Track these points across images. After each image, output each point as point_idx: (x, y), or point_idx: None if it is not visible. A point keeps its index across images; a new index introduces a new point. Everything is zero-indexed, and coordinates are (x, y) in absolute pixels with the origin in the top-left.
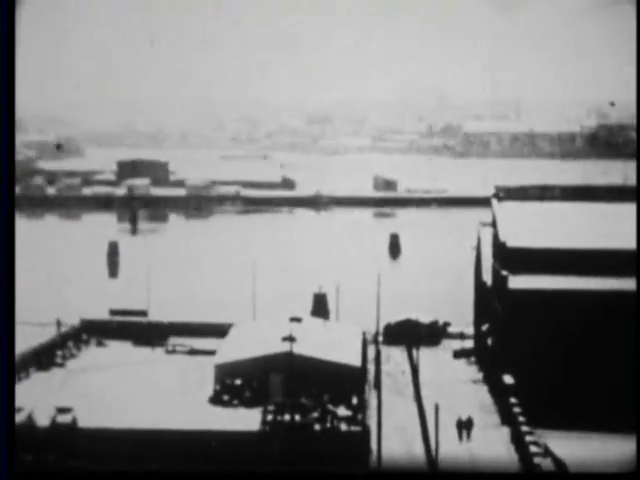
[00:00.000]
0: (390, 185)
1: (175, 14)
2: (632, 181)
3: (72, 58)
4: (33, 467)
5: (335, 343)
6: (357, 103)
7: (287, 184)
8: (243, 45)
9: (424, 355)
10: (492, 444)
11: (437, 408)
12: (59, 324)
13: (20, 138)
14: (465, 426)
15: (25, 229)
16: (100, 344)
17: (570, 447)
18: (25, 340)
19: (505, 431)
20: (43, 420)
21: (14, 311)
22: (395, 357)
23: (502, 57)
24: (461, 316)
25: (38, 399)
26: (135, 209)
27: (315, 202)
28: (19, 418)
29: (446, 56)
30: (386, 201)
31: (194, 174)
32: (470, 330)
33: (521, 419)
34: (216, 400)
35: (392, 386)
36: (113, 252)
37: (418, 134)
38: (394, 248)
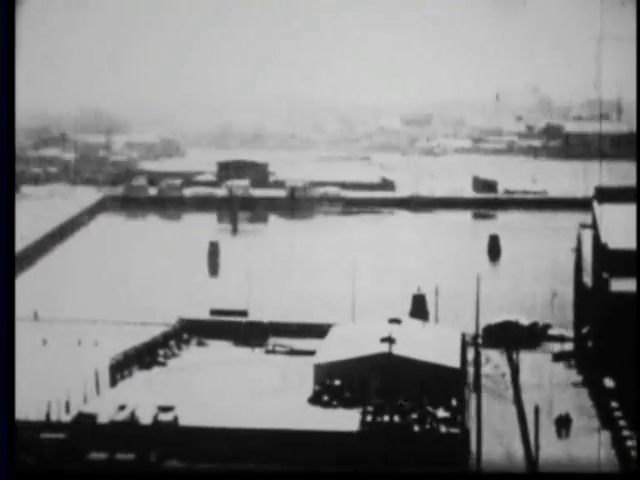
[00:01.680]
0: (489, 186)
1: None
2: None
3: (171, 62)
4: (33, 469)
5: (434, 344)
6: (456, 104)
7: (386, 185)
8: (336, 47)
9: (524, 357)
10: (592, 448)
11: (537, 410)
12: (166, 324)
13: (122, 139)
14: (564, 422)
15: (127, 229)
16: (201, 344)
17: None
18: (127, 339)
19: (605, 435)
20: (146, 418)
21: (14, 311)
22: (494, 359)
23: (604, 56)
24: (561, 318)
25: (141, 397)
26: (235, 210)
27: (414, 203)
28: (122, 416)
29: (545, 55)
30: (485, 202)
31: (294, 175)
32: (570, 333)
33: (622, 423)
34: (315, 400)
35: (491, 388)
36: (214, 252)
37: (517, 134)
38: (494, 250)
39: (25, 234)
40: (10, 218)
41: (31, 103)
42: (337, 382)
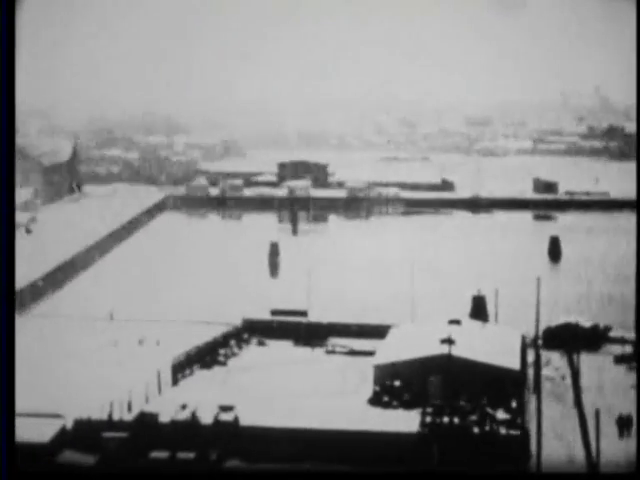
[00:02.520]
0: (550, 187)
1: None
2: None
3: (231, 64)
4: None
5: (494, 346)
6: (517, 105)
7: (446, 186)
8: (398, 49)
9: (584, 360)
10: None
11: (598, 413)
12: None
13: (183, 140)
14: (625, 422)
15: (188, 229)
16: (261, 343)
17: None
18: (189, 339)
19: None
20: (206, 418)
21: (14, 311)
22: (555, 361)
23: None
24: (623, 320)
25: (201, 397)
26: (295, 210)
27: (474, 204)
28: (183, 415)
29: (606, 55)
30: (546, 203)
31: (354, 176)
32: (632, 335)
33: None
34: (375, 401)
35: (552, 390)
36: (274, 252)
37: (579, 136)
38: (554, 251)
39: (88, 233)
40: (10, 219)
41: (95, 104)
42: (397, 383)
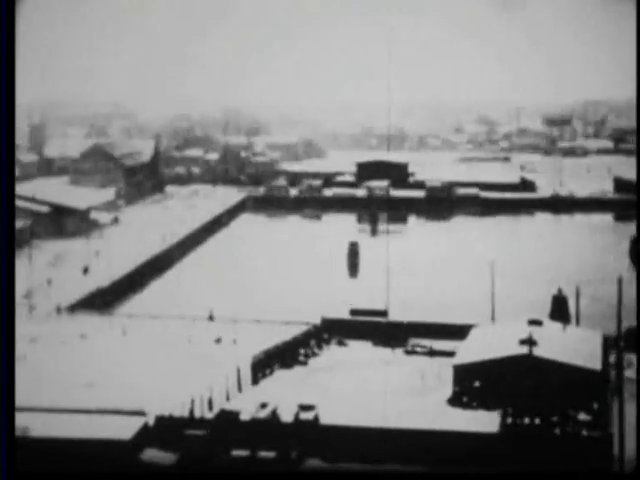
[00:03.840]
0: (632, 187)
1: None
2: None
3: (311, 65)
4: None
5: (575, 347)
6: (597, 104)
7: (526, 186)
8: (477, 49)
9: None
10: None
11: None
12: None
13: (263, 140)
14: None
15: (268, 229)
16: (341, 343)
17: None
18: (268, 338)
19: None
20: (287, 416)
21: (14, 311)
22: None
23: None
24: None
25: (282, 396)
26: (375, 210)
27: (555, 204)
28: (264, 413)
29: None
30: (628, 204)
31: (433, 176)
32: None
33: None
34: (455, 401)
35: (634, 392)
36: (353, 253)
37: None
38: (636, 252)
39: (169, 234)
40: (10, 221)
41: (178, 105)
42: (477, 383)
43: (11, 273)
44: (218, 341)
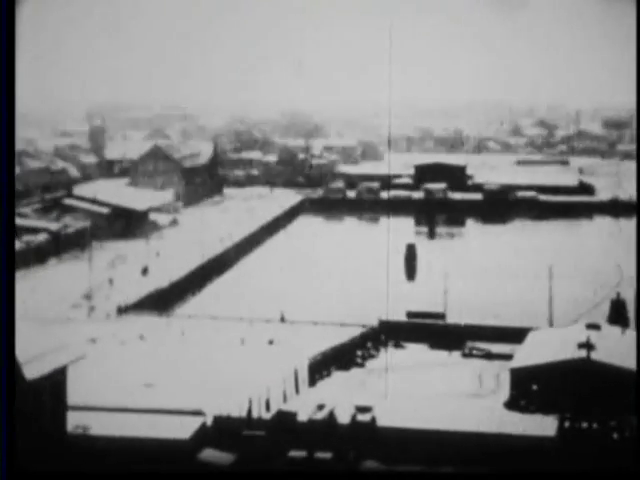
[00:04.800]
0: None
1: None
2: None
3: (367, 66)
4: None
5: (634, 351)
6: None
7: (585, 189)
8: (533, 49)
9: None
10: None
11: None
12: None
13: (322, 142)
14: None
15: (325, 231)
16: (398, 346)
17: None
18: (327, 340)
19: None
20: (344, 418)
21: (14, 310)
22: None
23: None
24: None
25: (339, 397)
26: (432, 213)
27: (614, 208)
28: (321, 415)
29: None
30: None
31: (491, 178)
32: None
33: None
34: (512, 405)
35: None
36: (411, 255)
37: None
38: None
39: (228, 236)
40: (10, 224)
41: (236, 107)
42: (534, 387)
43: (11, 277)
44: (274, 343)
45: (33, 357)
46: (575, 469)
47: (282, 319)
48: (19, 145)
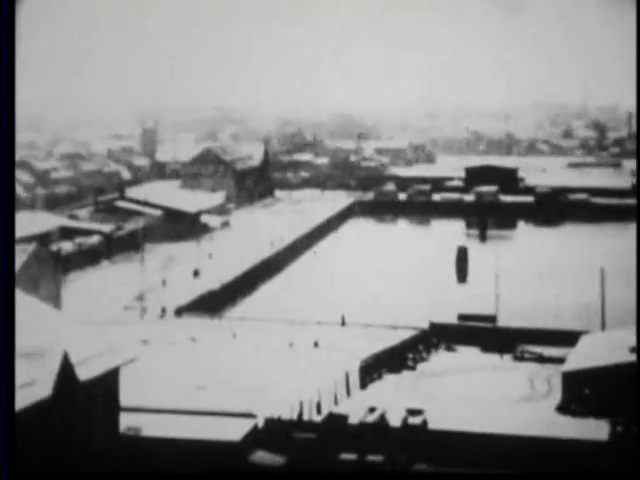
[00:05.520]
0: None
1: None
2: None
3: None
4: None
5: None
6: None
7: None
8: (587, 50)
9: None
10: None
11: None
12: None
13: (373, 145)
14: None
15: (377, 233)
16: (449, 348)
17: None
18: (378, 342)
19: None
20: (395, 421)
21: (14, 310)
22: None
23: None
24: None
25: (390, 400)
26: (484, 215)
27: None
28: (372, 418)
29: None
30: None
31: (543, 181)
32: None
33: None
34: (564, 409)
35: None
36: (462, 258)
37: None
38: None
39: (279, 238)
40: (10, 226)
41: (287, 110)
42: (586, 391)
43: (11, 276)
44: (321, 345)
45: (86, 359)
46: (626, 473)
47: (343, 322)
48: (74, 148)
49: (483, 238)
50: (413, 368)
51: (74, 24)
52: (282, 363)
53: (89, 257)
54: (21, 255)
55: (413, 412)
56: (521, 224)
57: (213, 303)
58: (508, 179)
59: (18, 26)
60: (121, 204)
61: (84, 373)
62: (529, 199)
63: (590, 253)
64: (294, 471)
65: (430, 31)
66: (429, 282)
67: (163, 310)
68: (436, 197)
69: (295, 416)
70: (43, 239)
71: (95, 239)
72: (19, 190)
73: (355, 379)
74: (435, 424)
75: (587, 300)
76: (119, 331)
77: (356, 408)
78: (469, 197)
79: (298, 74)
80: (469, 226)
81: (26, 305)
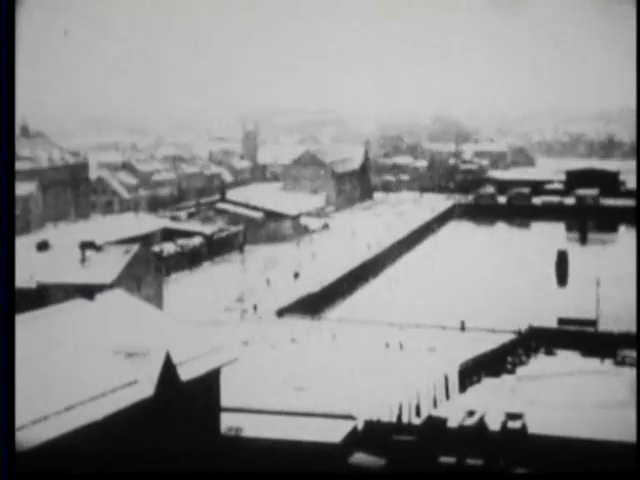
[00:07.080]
0: None
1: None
2: None
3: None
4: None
5: None
6: None
7: None
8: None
9: None
10: None
11: None
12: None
13: (473, 148)
14: None
15: (476, 236)
16: (549, 352)
17: None
18: (477, 346)
19: None
20: (494, 425)
21: (14, 311)
22: None
23: None
24: None
25: (489, 404)
26: (584, 218)
27: None
28: (471, 421)
29: None
30: None
31: None
32: None
33: None
34: None
35: None
36: (562, 261)
37: None
38: None
39: (378, 240)
40: (10, 216)
41: (386, 113)
42: None
43: (11, 276)
44: (421, 348)
45: (188, 359)
46: None
47: (462, 327)
48: (176, 151)
49: (583, 241)
50: (512, 372)
51: (178, 30)
52: (382, 365)
53: (190, 258)
54: (125, 255)
55: (512, 416)
56: (622, 228)
57: (313, 304)
58: (609, 182)
59: (106, 31)
60: (222, 206)
61: (186, 373)
62: (631, 202)
63: None
64: (394, 473)
65: (531, 35)
66: (529, 285)
67: (255, 307)
68: (536, 200)
69: (394, 418)
70: (146, 240)
71: (196, 240)
72: (123, 192)
73: (454, 382)
74: (534, 428)
75: None
76: (220, 332)
77: (455, 411)
78: (569, 200)
79: (400, 76)
80: (569, 229)
81: (129, 305)
